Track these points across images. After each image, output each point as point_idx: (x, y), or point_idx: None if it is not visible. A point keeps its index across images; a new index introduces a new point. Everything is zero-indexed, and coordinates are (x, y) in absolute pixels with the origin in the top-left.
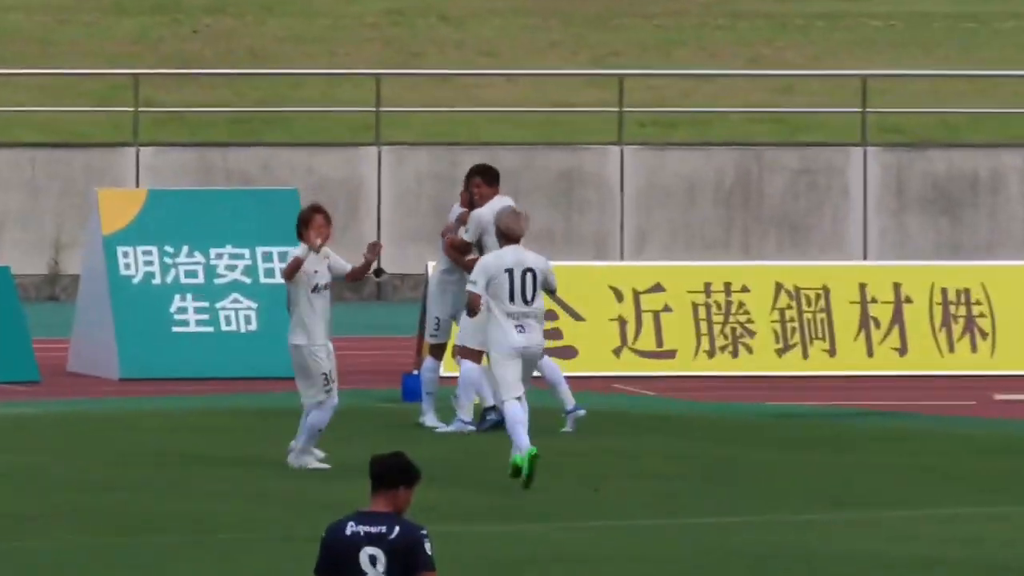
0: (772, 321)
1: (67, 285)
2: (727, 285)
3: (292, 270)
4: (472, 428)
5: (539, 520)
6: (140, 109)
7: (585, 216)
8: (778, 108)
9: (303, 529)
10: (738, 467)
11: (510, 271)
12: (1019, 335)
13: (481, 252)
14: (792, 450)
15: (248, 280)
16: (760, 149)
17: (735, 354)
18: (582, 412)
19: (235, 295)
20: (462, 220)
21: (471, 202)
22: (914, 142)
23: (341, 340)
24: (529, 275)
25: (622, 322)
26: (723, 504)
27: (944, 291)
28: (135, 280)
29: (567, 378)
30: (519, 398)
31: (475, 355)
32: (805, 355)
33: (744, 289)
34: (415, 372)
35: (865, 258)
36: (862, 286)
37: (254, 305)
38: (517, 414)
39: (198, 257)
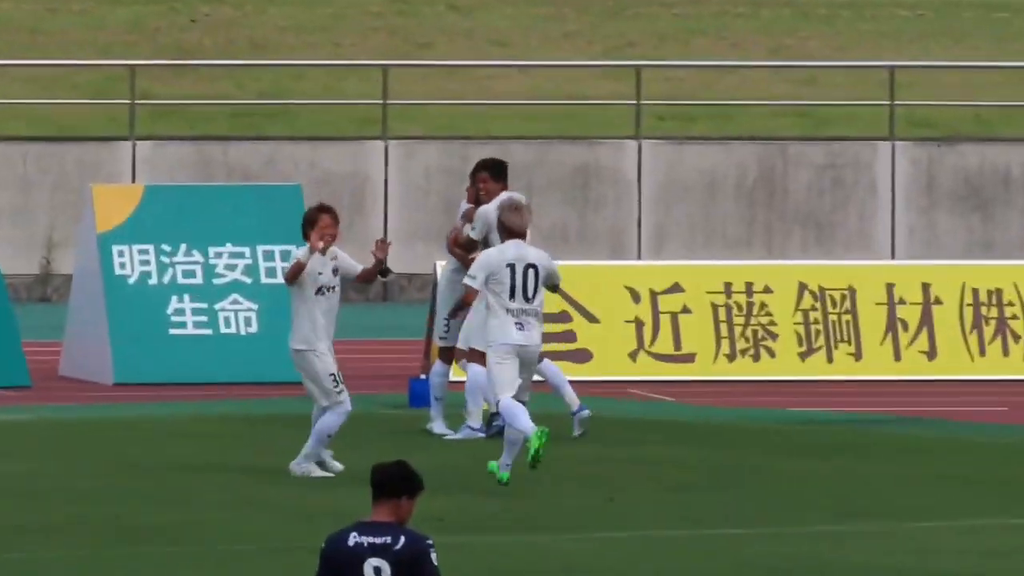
0: (795, 323)
1: (59, 285)
2: (749, 285)
3: (293, 274)
4: (481, 435)
5: (550, 530)
6: (136, 101)
7: (600, 213)
8: (802, 101)
9: (304, 540)
10: (759, 476)
11: (512, 266)
12: None
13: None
14: (815, 458)
15: (248, 280)
16: (783, 143)
17: (757, 358)
18: (587, 413)
19: (235, 296)
20: (468, 217)
21: (477, 198)
22: (944, 136)
23: (345, 343)
24: (531, 271)
25: (639, 324)
26: (741, 514)
27: (975, 292)
28: (130, 280)
29: (580, 383)
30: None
31: (483, 358)
32: (830, 359)
33: (766, 290)
34: (422, 376)
35: (893, 257)
36: (889, 287)
37: (255, 306)
38: (514, 404)
39: (196, 256)
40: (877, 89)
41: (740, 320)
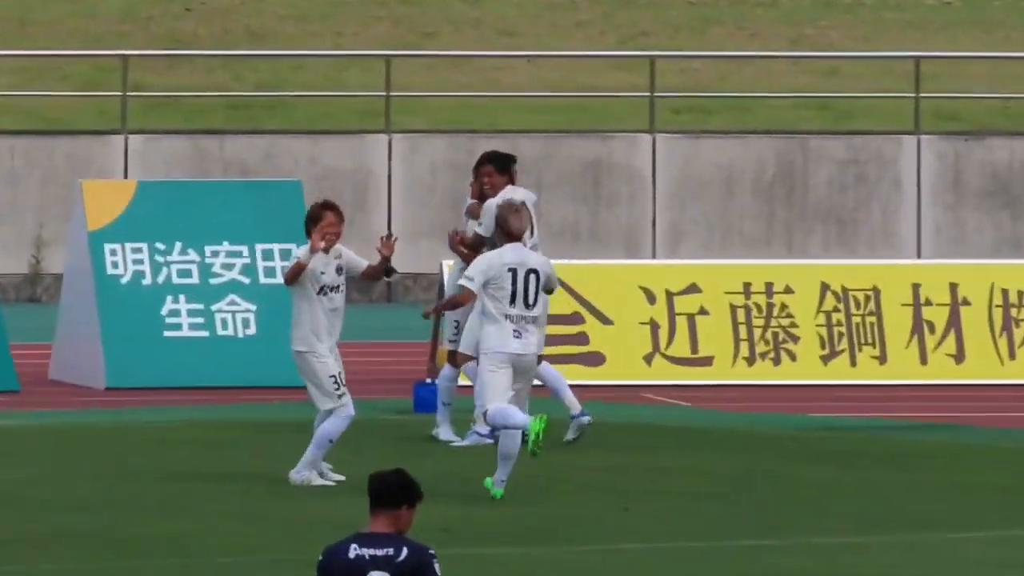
0: (817, 325)
1: (49, 285)
2: (768, 286)
3: (293, 275)
4: (490, 441)
5: (562, 542)
6: (128, 93)
7: (613, 210)
8: (824, 93)
9: (304, 552)
10: (778, 484)
11: (513, 271)
12: None
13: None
14: (837, 466)
15: (246, 280)
16: (804, 137)
17: (777, 361)
18: (587, 419)
19: (232, 296)
20: (471, 212)
21: (482, 193)
22: (972, 130)
23: (347, 346)
24: (533, 276)
25: (654, 326)
26: (760, 525)
27: (1005, 292)
28: (123, 280)
29: (592, 387)
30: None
31: None
32: (853, 362)
33: (787, 290)
34: (428, 381)
35: (919, 256)
36: (915, 287)
37: (253, 307)
38: (504, 405)
39: (192, 255)
40: (902, 81)
41: (759, 322)
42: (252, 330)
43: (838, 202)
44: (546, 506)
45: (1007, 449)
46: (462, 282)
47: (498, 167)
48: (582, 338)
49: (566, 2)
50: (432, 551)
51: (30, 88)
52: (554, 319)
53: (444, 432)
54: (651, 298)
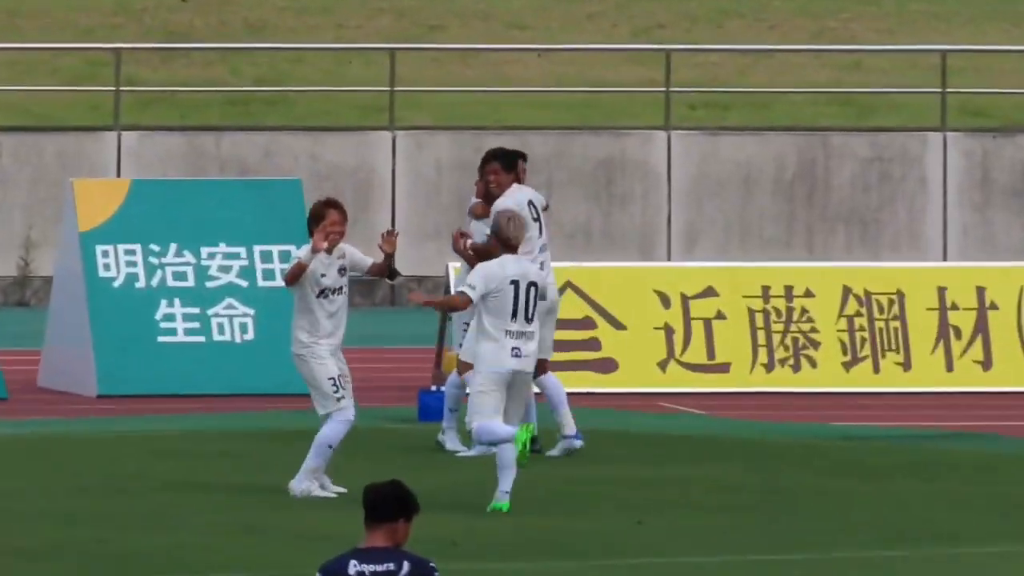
0: (839, 330)
1: (38, 289)
2: (788, 289)
3: (292, 276)
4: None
5: (573, 556)
6: (122, 88)
7: (627, 210)
8: (846, 88)
9: (302, 567)
10: (799, 497)
11: (515, 283)
12: None
13: None
14: (860, 477)
15: (244, 283)
16: (826, 134)
17: (796, 368)
18: (579, 444)
19: (229, 300)
20: (475, 213)
21: (487, 192)
22: (1000, 126)
23: (349, 351)
24: (533, 290)
25: (669, 331)
26: (780, 539)
27: None
28: (116, 283)
29: (605, 395)
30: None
31: None
32: (876, 369)
33: (807, 294)
34: (434, 388)
35: (945, 259)
36: (941, 290)
37: (251, 312)
38: (489, 422)
39: (187, 257)
40: (928, 75)
41: (779, 327)
42: (250, 335)
43: (861, 202)
44: (556, 519)
45: None
46: (463, 289)
47: (504, 165)
48: (594, 344)
49: None
50: (434, 564)
51: (19, 83)
52: (564, 324)
53: (451, 441)
54: (666, 302)
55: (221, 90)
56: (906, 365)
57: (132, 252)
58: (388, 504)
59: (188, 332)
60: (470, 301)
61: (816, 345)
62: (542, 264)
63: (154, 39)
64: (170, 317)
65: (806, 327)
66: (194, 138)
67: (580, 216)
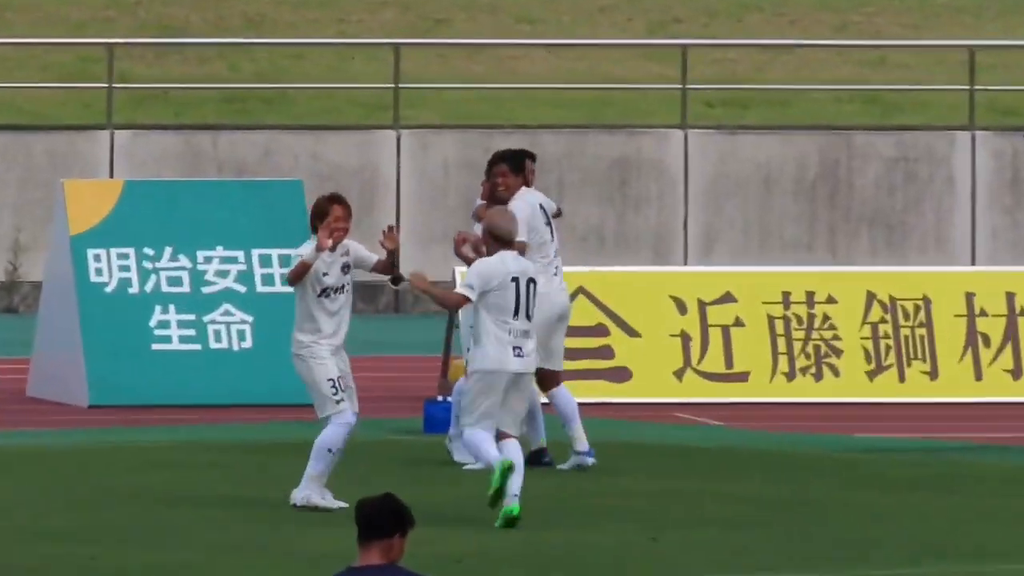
0: (863, 338)
1: (27, 294)
2: (810, 295)
3: (296, 275)
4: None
5: (583, 574)
6: (114, 85)
7: (641, 213)
8: (870, 85)
9: None
10: (820, 512)
11: (516, 280)
12: None
13: None
14: (885, 491)
15: (242, 289)
16: (849, 133)
17: (818, 377)
18: (591, 461)
19: (227, 306)
20: (480, 216)
21: (493, 194)
22: None
23: (352, 360)
24: (532, 286)
25: (685, 339)
26: (801, 556)
27: None
28: (108, 288)
29: (618, 405)
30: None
31: None
32: (901, 378)
33: (830, 300)
34: (439, 398)
35: (973, 263)
36: (969, 296)
37: (249, 318)
38: (481, 439)
39: (183, 261)
40: (955, 71)
41: (800, 334)
42: (248, 343)
43: (886, 204)
44: (567, 534)
45: None
46: (461, 289)
47: (512, 167)
48: (607, 352)
49: None
50: None
51: (8, 79)
52: (576, 331)
53: (458, 452)
54: (682, 308)
55: (218, 87)
56: (933, 374)
57: (125, 256)
58: (381, 520)
59: (183, 340)
60: (468, 301)
61: (839, 353)
62: (556, 270)
63: (148, 34)
64: (165, 324)
65: (828, 335)
66: (190, 137)
67: (593, 218)
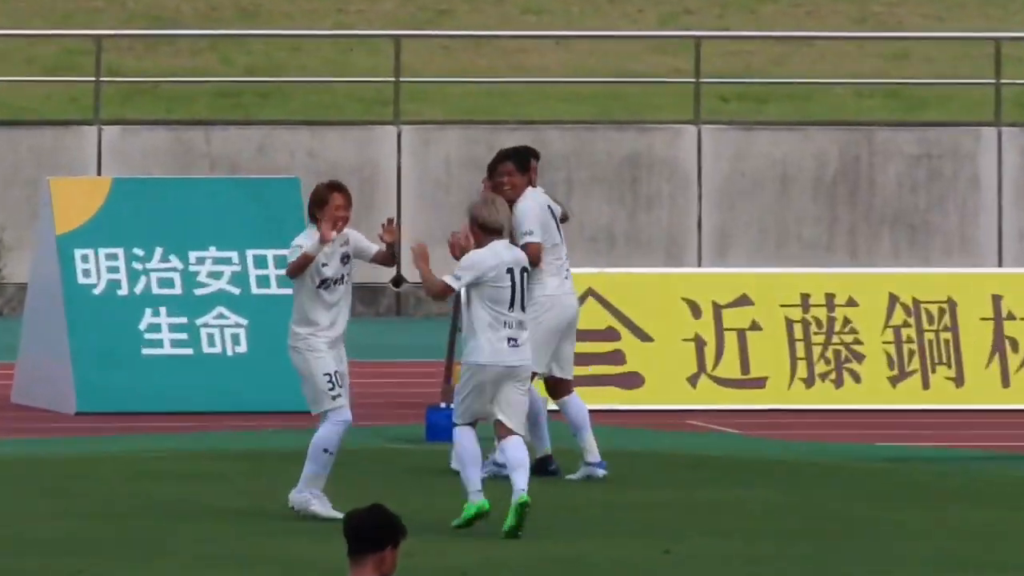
0: (885, 342)
1: (12, 296)
2: (829, 298)
3: (297, 268)
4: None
5: None
6: (102, 78)
7: (653, 212)
8: (892, 79)
9: None
10: (840, 523)
11: (511, 270)
12: None
13: None
14: (909, 502)
15: (236, 291)
16: (870, 129)
17: (839, 383)
18: (602, 473)
19: (220, 309)
20: None
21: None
22: None
23: (351, 365)
24: (525, 276)
25: (699, 343)
26: (821, 569)
27: None
28: (96, 290)
29: (630, 412)
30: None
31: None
32: (925, 384)
33: (850, 302)
34: (443, 405)
35: (1000, 264)
36: (996, 299)
37: (243, 322)
38: (470, 446)
39: (174, 262)
40: (980, 65)
41: (819, 339)
42: (242, 347)
43: (908, 202)
44: (576, 545)
45: None
46: (448, 279)
47: (518, 165)
48: (618, 357)
49: None
50: None
51: None
52: (586, 335)
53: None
54: (696, 311)
55: (211, 81)
56: (958, 380)
57: (114, 257)
58: (374, 531)
59: (175, 344)
60: (451, 291)
61: (860, 358)
62: (567, 273)
63: (138, 25)
64: (155, 328)
65: (849, 339)
66: (181, 133)
67: (602, 218)
